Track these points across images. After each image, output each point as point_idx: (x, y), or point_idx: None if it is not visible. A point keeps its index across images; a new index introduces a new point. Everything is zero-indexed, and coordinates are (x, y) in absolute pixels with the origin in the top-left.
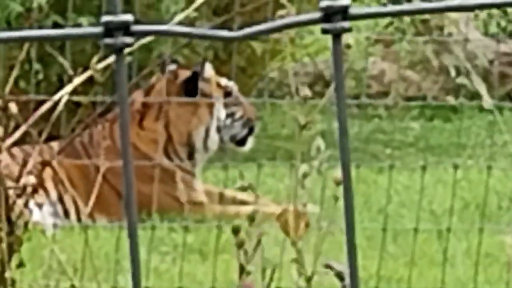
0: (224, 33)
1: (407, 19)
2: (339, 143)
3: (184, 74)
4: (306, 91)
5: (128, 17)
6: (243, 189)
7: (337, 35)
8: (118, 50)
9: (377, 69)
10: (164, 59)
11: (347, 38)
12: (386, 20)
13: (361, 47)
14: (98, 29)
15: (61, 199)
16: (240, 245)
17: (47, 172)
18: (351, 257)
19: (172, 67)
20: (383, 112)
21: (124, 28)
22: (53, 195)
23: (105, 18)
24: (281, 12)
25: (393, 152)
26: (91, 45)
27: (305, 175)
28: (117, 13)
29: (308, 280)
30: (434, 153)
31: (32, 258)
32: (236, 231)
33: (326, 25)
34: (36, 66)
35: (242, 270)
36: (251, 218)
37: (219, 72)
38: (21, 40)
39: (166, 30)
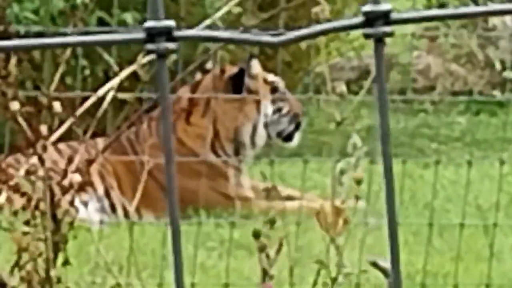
0: (267, 38)
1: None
2: (381, 150)
3: (231, 70)
4: (342, 88)
5: (170, 22)
6: (267, 190)
7: (379, 40)
8: (160, 56)
9: (423, 64)
10: (210, 55)
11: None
12: None
13: (407, 41)
14: (140, 35)
15: (108, 195)
16: (262, 248)
17: (94, 168)
18: (393, 251)
19: (210, 65)
20: (429, 107)
21: (166, 34)
22: (100, 190)
23: (148, 24)
24: (315, 9)
25: (439, 147)
26: None
27: (342, 172)
28: (160, 19)
29: (347, 276)
30: (480, 147)
31: (79, 254)
32: (257, 235)
33: (368, 30)
34: (83, 62)
35: (265, 273)
36: (272, 222)
37: (265, 67)
38: (64, 46)
39: (208, 36)
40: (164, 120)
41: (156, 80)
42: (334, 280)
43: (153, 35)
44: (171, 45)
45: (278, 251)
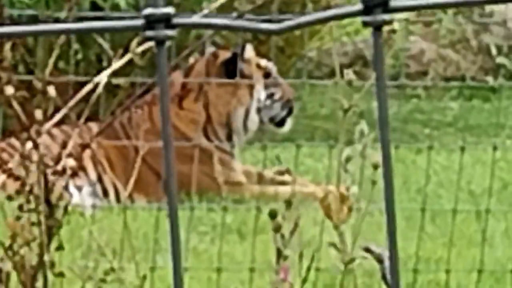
0: (264, 26)
1: None
2: (379, 135)
3: (224, 55)
4: (351, 75)
5: (169, 9)
6: (280, 173)
7: (377, 28)
8: (159, 43)
9: (416, 49)
10: (203, 41)
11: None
12: None
13: (401, 26)
14: (139, 22)
15: (100, 180)
16: (277, 229)
17: (86, 153)
18: (391, 239)
19: (211, 49)
20: (422, 92)
21: (165, 21)
22: (92, 175)
23: (146, 11)
24: None
25: (432, 132)
26: None
27: (348, 159)
28: (158, 5)
29: (347, 263)
30: (473, 133)
31: (71, 239)
32: (273, 215)
33: (367, 18)
34: (75, 46)
35: (279, 254)
36: (289, 202)
37: (258, 52)
38: (61, 33)
39: (207, 23)
40: (162, 106)
41: (156, 67)
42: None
43: (152, 22)
44: (170, 32)
45: (293, 231)
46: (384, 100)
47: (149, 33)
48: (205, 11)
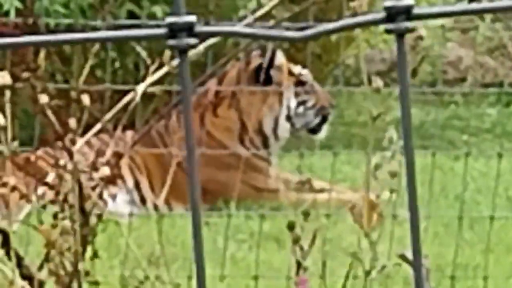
0: (289, 34)
1: None
2: (404, 147)
3: (256, 62)
4: (378, 82)
5: (192, 18)
6: (302, 183)
7: (400, 35)
8: (181, 51)
9: (454, 55)
10: (234, 53)
11: (419, 30)
12: None
13: (438, 33)
14: (162, 31)
15: (137, 187)
16: (296, 240)
17: (124, 161)
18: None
19: (255, 53)
20: (459, 99)
21: (188, 29)
22: (130, 183)
23: (169, 19)
24: (354, 3)
25: (470, 139)
26: None
27: (377, 166)
28: (181, 14)
29: (381, 270)
30: (511, 139)
31: (109, 247)
32: (291, 227)
33: (390, 26)
34: (112, 54)
35: (299, 266)
36: (306, 213)
37: (294, 60)
38: (85, 42)
39: (230, 31)
40: (185, 114)
41: (179, 76)
42: (367, 273)
43: (174, 30)
44: (193, 41)
45: (312, 243)
46: (408, 108)
47: (172, 41)
48: (247, 21)
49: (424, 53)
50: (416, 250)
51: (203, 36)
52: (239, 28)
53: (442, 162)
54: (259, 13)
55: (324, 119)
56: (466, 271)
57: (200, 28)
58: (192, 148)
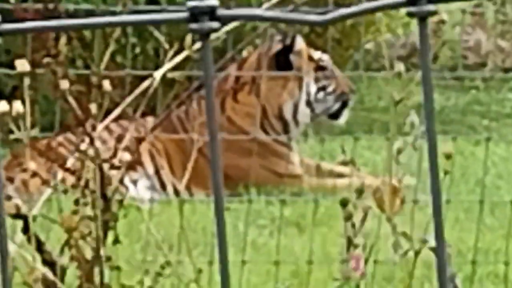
0: (311, 17)
1: None
2: (426, 131)
3: (276, 47)
4: (400, 67)
5: (214, 1)
6: (344, 163)
7: (423, 18)
8: (204, 35)
9: (473, 40)
10: (270, 33)
11: (441, 14)
12: None
13: (457, 18)
14: (184, 14)
15: (158, 173)
16: (348, 217)
17: (144, 147)
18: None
19: (278, 37)
20: (480, 84)
21: (210, 13)
22: (150, 169)
23: (191, 3)
24: None
25: (490, 124)
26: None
27: (399, 151)
28: None
29: (404, 255)
30: None
31: (129, 233)
32: (344, 203)
33: (412, 9)
34: (133, 40)
35: (350, 243)
36: (360, 191)
37: (314, 45)
38: (106, 26)
39: (252, 14)
40: (208, 99)
41: (201, 60)
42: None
43: (196, 14)
44: (215, 25)
45: (363, 220)
46: (430, 92)
47: (194, 25)
48: (265, 5)
49: (445, 38)
50: (439, 236)
51: (225, 20)
52: (261, 11)
53: (463, 147)
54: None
55: (344, 105)
56: (487, 256)
57: (222, 11)
58: (214, 133)
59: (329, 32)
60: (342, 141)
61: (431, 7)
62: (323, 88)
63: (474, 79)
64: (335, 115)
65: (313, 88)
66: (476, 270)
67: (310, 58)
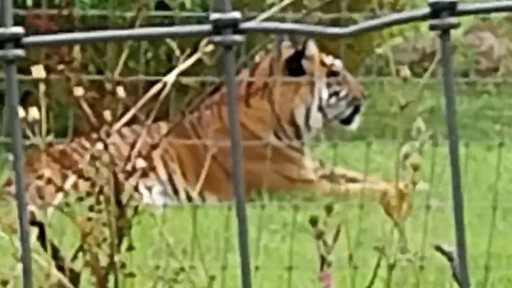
0: (332, 30)
1: None
2: (449, 143)
3: (288, 52)
4: (406, 72)
5: (236, 14)
6: (325, 177)
7: (445, 31)
8: (227, 48)
9: (486, 45)
10: (279, 38)
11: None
12: None
13: (468, 23)
14: (207, 27)
15: (170, 179)
16: (319, 235)
17: (157, 152)
18: (459, 235)
19: (286, 44)
20: (492, 88)
21: (233, 26)
22: (163, 174)
23: (214, 16)
24: None
25: (503, 129)
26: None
27: (406, 156)
28: (226, 10)
29: (409, 261)
30: None
31: (143, 238)
32: (314, 222)
33: (434, 21)
34: (145, 45)
35: (323, 261)
36: (329, 208)
37: (326, 50)
38: (129, 39)
39: (274, 28)
40: (230, 109)
41: (224, 72)
42: (394, 264)
43: (219, 27)
44: (238, 37)
45: (336, 238)
46: (452, 103)
47: (217, 38)
48: (275, 9)
49: (456, 43)
50: (461, 243)
51: (248, 32)
52: (283, 24)
53: (475, 152)
54: (287, 0)
55: (356, 110)
56: (499, 261)
57: (245, 24)
58: (236, 142)
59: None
60: (354, 146)
61: (452, 20)
62: (335, 93)
63: (486, 84)
64: (347, 120)
65: (325, 93)
66: (488, 275)
67: (322, 63)
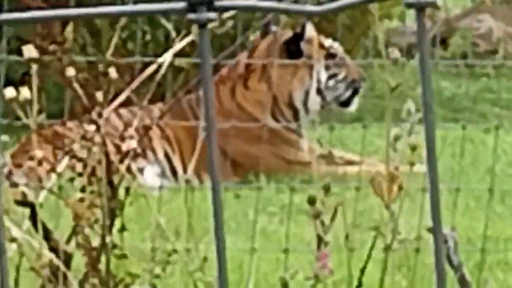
0: (309, 8)
1: None
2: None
3: (286, 35)
4: (396, 53)
5: None
6: (323, 157)
7: (420, 9)
8: (201, 25)
9: (484, 28)
10: (267, 21)
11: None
12: None
13: (468, 5)
14: (181, 4)
15: (168, 160)
16: (316, 215)
17: (155, 133)
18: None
19: (275, 28)
20: (491, 71)
21: (207, 3)
22: (161, 155)
23: None
24: None
25: (501, 111)
26: None
27: (396, 138)
28: None
29: (401, 242)
30: None
31: (140, 220)
32: (311, 201)
33: (410, 0)
34: (143, 27)
35: (320, 240)
36: (327, 188)
37: (324, 32)
38: (103, 17)
39: (250, 5)
40: (205, 88)
41: (199, 50)
42: (388, 246)
43: (194, 4)
44: (212, 15)
45: (333, 218)
46: (428, 82)
47: (191, 16)
48: None
49: (455, 26)
50: (437, 224)
51: (223, 10)
52: (258, 2)
53: (473, 135)
54: None
55: (355, 92)
56: (497, 244)
57: (219, 2)
58: (211, 120)
59: (339, 19)
60: (352, 129)
61: (211, 14)
62: (333, 76)
63: (485, 66)
64: (346, 103)
65: (323, 76)
66: (485, 258)
67: (321, 46)
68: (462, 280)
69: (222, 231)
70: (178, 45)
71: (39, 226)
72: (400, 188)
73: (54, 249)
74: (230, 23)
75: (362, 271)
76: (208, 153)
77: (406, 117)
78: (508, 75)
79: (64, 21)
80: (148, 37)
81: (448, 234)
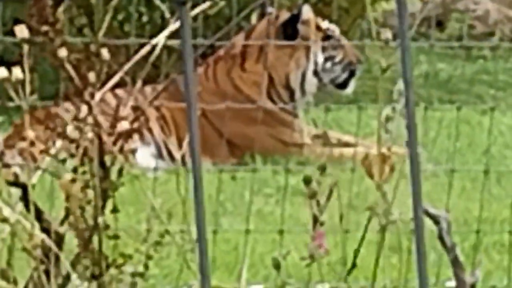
0: None
1: None
2: (404, 96)
3: (284, 16)
4: (387, 34)
5: None
6: (317, 137)
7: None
8: (181, 3)
9: (481, 10)
10: (263, 1)
11: None
12: None
13: None
14: None
15: (165, 141)
16: (312, 195)
17: (152, 114)
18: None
19: (271, 9)
20: (488, 53)
21: None
22: (158, 137)
23: None
24: None
25: (497, 93)
26: None
27: (388, 119)
28: None
29: (393, 223)
30: None
31: (136, 201)
32: (307, 181)
33: None
34: (141, 8)
35: (315, 220)
36: (323, 167)
37: (321, 14)
38: None
39: None
40: (185, 67)
41: (180, 30)
42: (383, 227)
43: None
44: None
45: (329, 197)
46: (408, 61)
47: None
48: None
49: (452, 8)
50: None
51: None
52: None
53: (470, 116)
54: None
55: (351, 74)
56: (492, 226)
57: None
58: (192, 101)
59: (336, 1)
60: (348, 110)
61: None
62: (330, 58)
63: (482, 48)
64: (343, 85)
65: (320, 58)
66: (481, 240)
67: (318, 28)
68: (455, 262)
69: (202, 208)
70: (172, 26)
71: (31, 207)
72: (392, 169)
73: (46, 230)
74: (222, 3)
75: (356, 252)
76: (189, 133)
77: (397, 98)
78: (504, 57)
79: (57, 1)
80: (145, 19)
81: (441, 215)
